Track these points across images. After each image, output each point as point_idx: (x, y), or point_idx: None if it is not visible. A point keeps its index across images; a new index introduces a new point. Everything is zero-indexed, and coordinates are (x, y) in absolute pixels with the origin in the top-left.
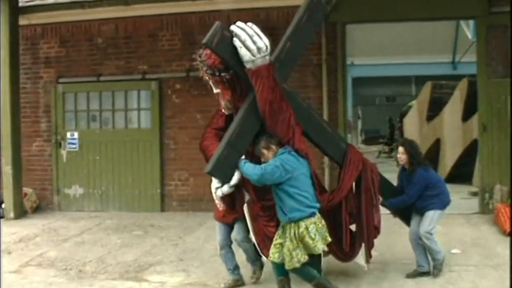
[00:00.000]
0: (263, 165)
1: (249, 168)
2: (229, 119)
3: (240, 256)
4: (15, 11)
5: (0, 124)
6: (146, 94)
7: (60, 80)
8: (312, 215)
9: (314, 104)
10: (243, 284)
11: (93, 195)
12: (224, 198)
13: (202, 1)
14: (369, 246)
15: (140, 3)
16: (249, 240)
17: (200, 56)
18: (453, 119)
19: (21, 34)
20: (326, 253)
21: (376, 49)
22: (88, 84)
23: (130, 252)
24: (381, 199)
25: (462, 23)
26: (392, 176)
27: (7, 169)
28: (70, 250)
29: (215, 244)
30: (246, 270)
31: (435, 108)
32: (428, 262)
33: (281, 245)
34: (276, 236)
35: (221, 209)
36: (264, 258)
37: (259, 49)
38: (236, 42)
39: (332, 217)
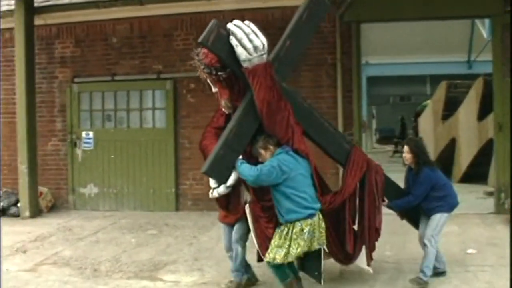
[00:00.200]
0: (259, 166)
1: (245, 169)
2: (229, 118)
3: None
4: (31, 11)
5: (16, 123)
6: (161, 93)
7: (75, 79)
8: (309, 216)
9: (328, 103)
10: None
11: (108, 194)
12: (220, 198)
13: (216, 0)
14: (371, 249)
15: (154, 3)
16: (244, 244)
17: (197, 55)
18: (469, 119)
19: (37, 34)
20: (326, 256)
21: (391, 48)
22: (103, 84)
23: (144, 251)
24: (386, 201)
25: (478, 21)
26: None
27: (23, 168)
28: (85, 249)
29: None
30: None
31: (450, 107)
32: (444, 261)
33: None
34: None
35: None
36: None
37: (255, 47)
38: (233, 40)
39: (335, 219)
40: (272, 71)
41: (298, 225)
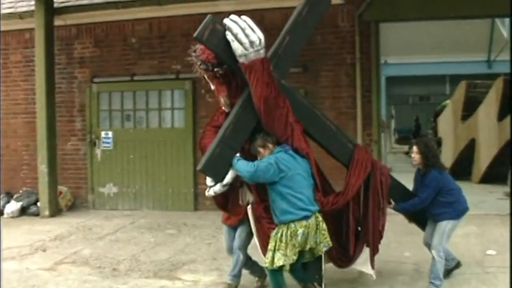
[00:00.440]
0: (256, 162)
1: (242, 166)
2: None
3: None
4: (51, 12)
5: (36, 123)
6: (179, 93)
7: (95, 80)
8: (304, 218)
9: (347, 103)
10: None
11: (127, 194)
12: (217, 197)
13: (234, 1)
14: (374, 252)
15: (172, 3)
16: (245, 251)
17: (195, 51)
18: (489, 119)
19: (56, 35)
20: (326, 260)
21: (410, 48)
22: (122, 84)
23: (163, 250)
24: (393, 203)
25: (497, 21)
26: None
27: (43, 168)
28: (104, 248)
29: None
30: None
31: (470, 107)
32: (454, 257)
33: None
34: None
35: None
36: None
37: (252, 42)
38: (229, 35)
39: (337, 220)
40: (270, 67)
41: (292, 226)
